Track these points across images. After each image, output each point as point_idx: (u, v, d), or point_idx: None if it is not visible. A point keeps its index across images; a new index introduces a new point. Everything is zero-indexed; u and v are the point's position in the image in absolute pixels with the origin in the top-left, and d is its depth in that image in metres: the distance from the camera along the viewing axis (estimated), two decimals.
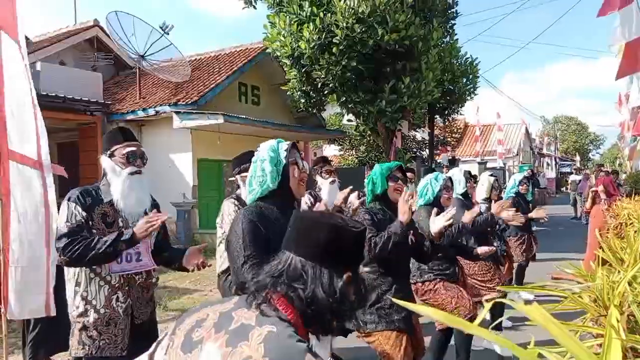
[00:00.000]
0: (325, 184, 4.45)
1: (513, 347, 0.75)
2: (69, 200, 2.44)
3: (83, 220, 2.39)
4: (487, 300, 4.20)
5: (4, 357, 4.03)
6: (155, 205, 2.72)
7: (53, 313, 3.86)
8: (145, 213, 2.56)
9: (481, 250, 3.82)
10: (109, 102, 12.24)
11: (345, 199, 3.77)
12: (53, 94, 10.33)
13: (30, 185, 3.76)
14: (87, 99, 11.28)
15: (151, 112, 11.57)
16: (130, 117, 11.91)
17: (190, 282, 7.88)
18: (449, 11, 11.40)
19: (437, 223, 3.00)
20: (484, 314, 0.94)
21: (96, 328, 2.41)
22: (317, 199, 4.32)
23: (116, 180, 2.49)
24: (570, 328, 1.15)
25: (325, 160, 4.74)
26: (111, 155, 2.53)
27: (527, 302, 5.54)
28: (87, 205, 2.43)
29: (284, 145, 2.09)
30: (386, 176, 3.00)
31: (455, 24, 11.82)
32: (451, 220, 2.98)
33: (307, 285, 1.11)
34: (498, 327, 4.73)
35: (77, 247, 2.30)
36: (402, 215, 2.74)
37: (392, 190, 3.00)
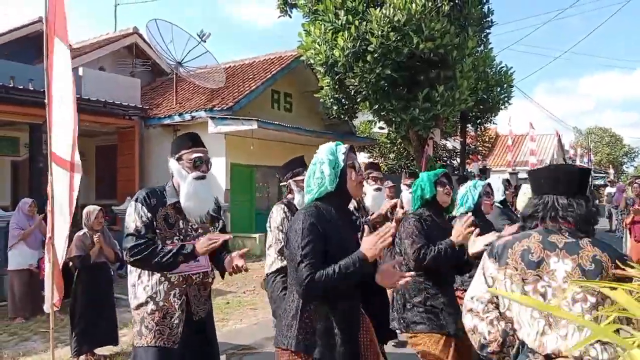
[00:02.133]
0: (369, 191, 4.51)
1: (588, 324, 0.79)
2: (136, 200, 2.59)
3: (148, 221, 2.53)
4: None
5: (51, 350, 4.19)
6: (219, 208, 2.84)
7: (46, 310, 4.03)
8: (208, 213, 2.70)
9: None
10: (147, 107, 12.58)
11: (393, 208, 3.82)
12: (94, 99, 10.68)
13: (62, 185, 3.94)
14: (126, 103, 11.62)
15: (187, 117, 11.85)
16: (166, 121, 12.22)
17: (222, 283, 7.99)
18: (484, 20, 11.35)
19: (477, 245, 2.84)
20: (562, 301, 0.98)
21: (153, 319, 2.53)
22: (360, 204, 4.38)
23: (182, 184, 2.61)
24: None
25: (374, 167, 4.80)
26: (179, 159, 2.66)
27: None
28: (152, 206, 2.57)
29: (342, 148, 2.14)
30: (434, 181, 3.04)
31: (490, 32, 11.76)
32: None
33: (574, 209, 1.79)
34: None
35: (142, 252, 2.45)
36: (457, 238, 2.79)
37: (442, 195, 3.04)
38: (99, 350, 4.96)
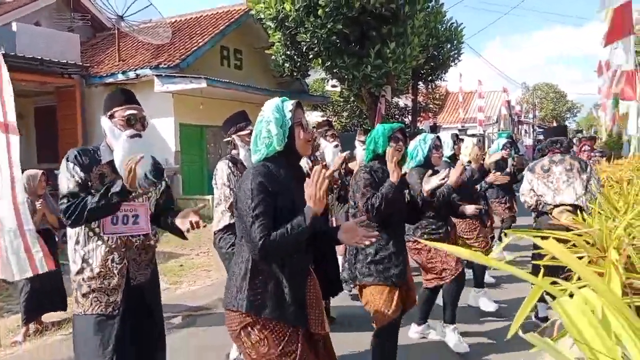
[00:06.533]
0: (329, 147, 4.59)
1: (525, 275, 0.80)
2: (67, 160, 2.40)
3: (81, 180, 2.36)
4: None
5: None
6: (158, 170, 2.64)
7: (42, 270, 3.86)
8: (146, 176, 2.48)
9: (469, 209, 3.91)
10: (87, 65, 11.93)
11: (343, 163, 3.86)
12: (30, 56, 10.01)
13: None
14: (64, 61, 10.96)
15: (131, 75, 11.32)
16: (109, 80, 11.62)
17: (176, 246, 7.90)
18: None
19: (431, 182, 3.12)
20: (500, 249, 0.99)
21: (90, 286, 2.41)
22: (315, 161, 4.39)
23: (116, 143, 2.42)
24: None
25: (329, 124, 4.85)
26: (111, 117, 2.45)
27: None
28: (85, 164, 2.39)
29: (289, 105, 2.04)
30: (388, 136, 3.04)
31: None
32: (445, 180, 3.07)
33: (563, 142, 4.20)
34: (480, 284, 4.91)
35: (74, 208, 2.29)
36: (393, 175, 2.85)
37: (393, 150, 3.06)
38: (48, 317, 4.85)
